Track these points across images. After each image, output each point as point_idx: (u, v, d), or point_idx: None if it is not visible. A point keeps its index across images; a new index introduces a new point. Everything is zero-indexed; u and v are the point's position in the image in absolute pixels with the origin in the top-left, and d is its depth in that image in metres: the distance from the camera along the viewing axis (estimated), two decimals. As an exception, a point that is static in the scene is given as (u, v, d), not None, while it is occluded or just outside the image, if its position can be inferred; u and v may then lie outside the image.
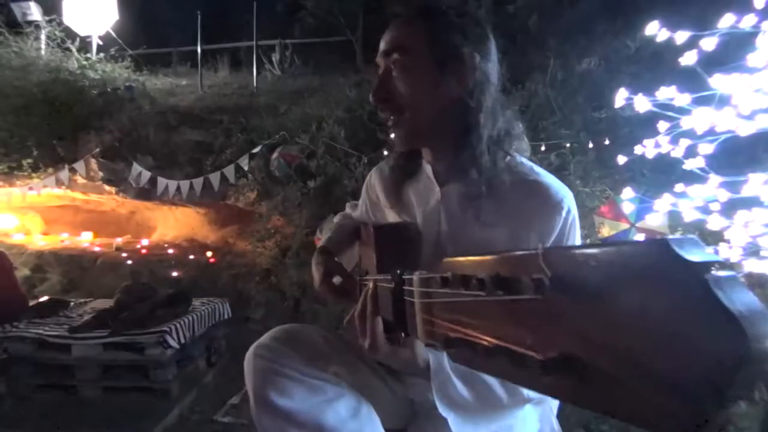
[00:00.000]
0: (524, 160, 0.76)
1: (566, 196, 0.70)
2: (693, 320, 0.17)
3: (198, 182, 3.54)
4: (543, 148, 2.35)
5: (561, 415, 0.87)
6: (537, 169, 0.74)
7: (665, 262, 0.18)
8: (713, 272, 0.17)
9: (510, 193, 0.69)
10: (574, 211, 0.70)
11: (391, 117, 0.74)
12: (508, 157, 0.73)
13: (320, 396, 0.67)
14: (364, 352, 0.58)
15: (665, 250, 0.18)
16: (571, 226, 0.69)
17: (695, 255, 0.18)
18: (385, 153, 2.87)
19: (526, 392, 0.66)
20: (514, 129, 0.75)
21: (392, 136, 0.76)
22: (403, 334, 0.43)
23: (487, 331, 0.27)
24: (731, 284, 0.17)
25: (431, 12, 0.70)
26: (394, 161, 0.86)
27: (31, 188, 3.74)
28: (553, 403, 0.84)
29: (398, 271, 0.44)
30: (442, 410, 0.63)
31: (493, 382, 0.65)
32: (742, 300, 0.17)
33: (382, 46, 0.73)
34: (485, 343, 0.26)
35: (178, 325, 2.06)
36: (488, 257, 0.29)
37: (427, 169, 0.80)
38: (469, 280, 0.28)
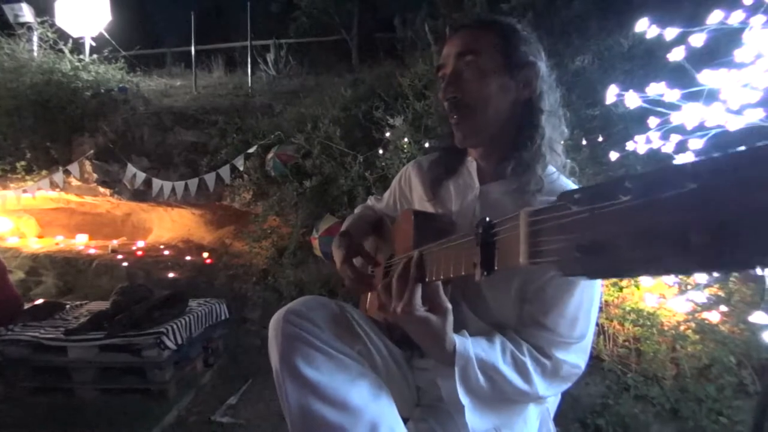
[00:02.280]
0: (559, 173, 0.81)
1: None
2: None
3: (193, 183, 3.53)
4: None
5: (557, 411, 0.89)
6: (570, 181, 0.80)
7: None
8: None
9: (552, 197, 0.72)
10: None
11: (456, 115, 0.78)
12: (550, 167, 0.79)
13: (346, 373, 0.66)
14: (397, 317, 0.59)
15: None
16: None
17: None
18: (381, 152, 2.88)
19: (540, 391, 0.68)
20: (562, 135, 0.82)
21: (456, 133, 0.80)
22: (485, 273, 0.45)
23: (630, 229, 0.29)
24: None
25: (501, 24, 0.78)
26: (438, 157, 0.91)
27: (25, 191, 3.72)
28: (551, 405, 0.86)
29: (486, 218, 0.47)
30: (462, 395, 0.63)
31: (512, 377, 0.66)
32: None
33: (455, 48, 0.78)
34: (630, 237, 0.29)
35: (174, 326, 2.06)
36: (608, 183, 0.32)
37: (471, 166, 0.84)
38: (601, 197, 0.31)
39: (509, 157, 0.77)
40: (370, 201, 1.13)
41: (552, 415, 0.87)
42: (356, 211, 1.09)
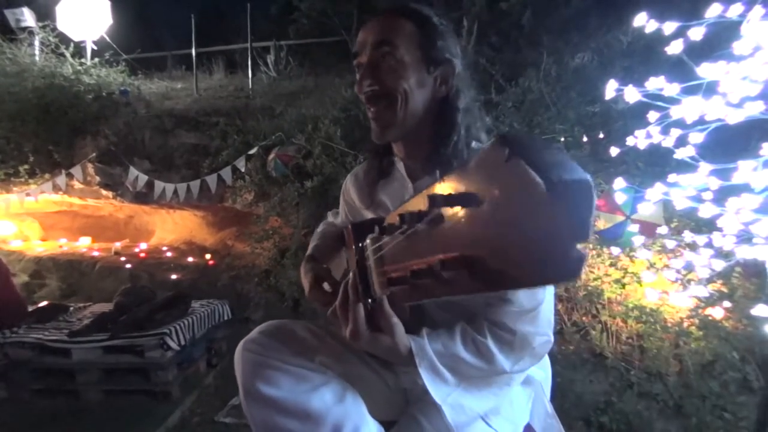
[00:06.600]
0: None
1: None
2: (540, 207, 0.22)
3: (195, 185, 3.55)
4: (538, 143, 2.36)
5: (561, 409, 0.88)
6: None
7: (511, 164, 0.24)
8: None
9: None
10: None
11: (374, 107, 0.76)
12: (475, 145, 0.79)
13: (306, 384, 0.69)
14: (347, 341, 0.60)
15: (510, 150, 0.24)
16: None
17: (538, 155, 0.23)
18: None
19: (507, 367, 0.68)
20: (480, 121, 0.83)
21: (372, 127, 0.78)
22: (370, 300, 0.46)
23: (414, 259, 0.33)
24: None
25: (422, 16, 0.76)
26: (368, 163, 0.91)
27: (28, 194, 3.74)
28: (545, 386, 0.85)
29: (360, 243, 0.48)
30: (437, 397, 0.64)
31: (474, 362, 0.66)
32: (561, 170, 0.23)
33: (372, 37, 0.75)
34: (414, 268, 0.32)
35: (177, 327, 2.07)
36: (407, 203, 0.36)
37: (400, 166, 0.85)
38: (396, 224, 0.35)
39: (432, 154, 0.77)
40: (330, 217, 1.11)
41: (548, 395, 0.86)
42: (318, 229, 1.07)
